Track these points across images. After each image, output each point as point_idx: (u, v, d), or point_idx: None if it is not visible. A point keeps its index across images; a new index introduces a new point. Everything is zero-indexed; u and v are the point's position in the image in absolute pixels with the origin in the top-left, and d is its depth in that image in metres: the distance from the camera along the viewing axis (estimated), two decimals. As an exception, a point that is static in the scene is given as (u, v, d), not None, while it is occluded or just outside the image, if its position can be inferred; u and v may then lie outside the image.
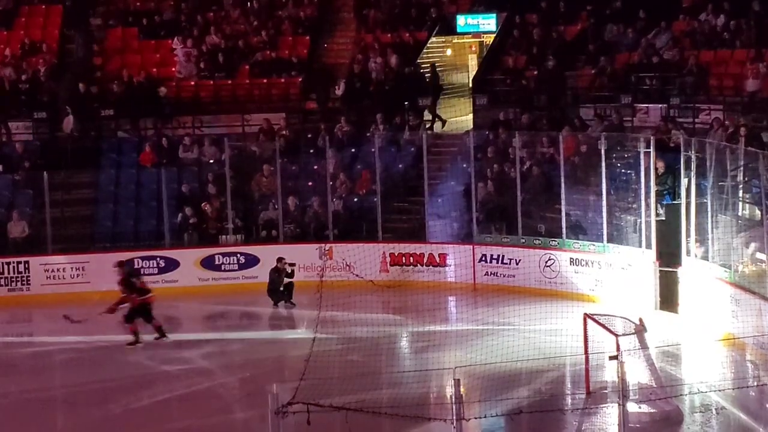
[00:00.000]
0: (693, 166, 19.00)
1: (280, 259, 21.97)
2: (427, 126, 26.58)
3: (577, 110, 24.71)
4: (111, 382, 16.62)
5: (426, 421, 11.86)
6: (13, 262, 22.95)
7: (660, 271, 19.68)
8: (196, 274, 23.35)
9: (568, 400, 15.08)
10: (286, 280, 21.88)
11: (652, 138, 20.45)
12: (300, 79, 27.73)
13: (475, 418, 8.91)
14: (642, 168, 20.06)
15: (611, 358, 12.67)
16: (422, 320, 19.75)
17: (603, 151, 20.82)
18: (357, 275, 19.93)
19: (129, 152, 26.06)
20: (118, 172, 25.62)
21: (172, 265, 23.43)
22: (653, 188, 19.99)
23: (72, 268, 23.12)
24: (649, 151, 19.97)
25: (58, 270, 23.11)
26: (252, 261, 23.55)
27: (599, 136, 21.36)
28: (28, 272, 22.93)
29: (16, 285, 22.91)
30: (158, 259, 23.44)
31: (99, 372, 17.11)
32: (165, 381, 16.34)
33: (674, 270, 19.38)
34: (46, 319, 21.81)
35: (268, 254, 22.76)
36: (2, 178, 25.03)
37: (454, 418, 8.18)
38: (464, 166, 24.00)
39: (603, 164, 20.79)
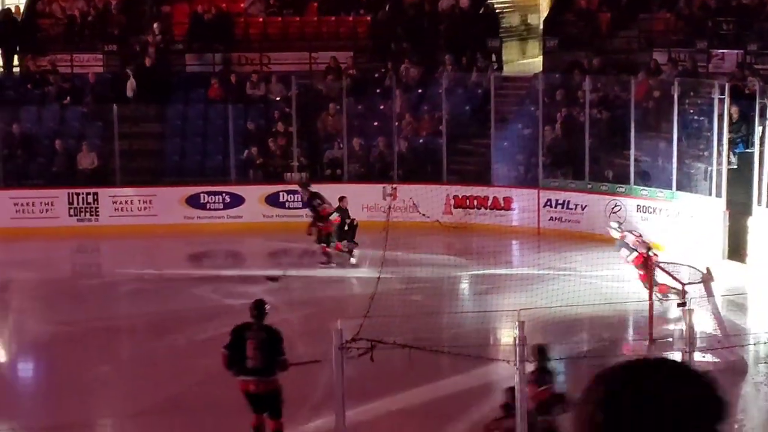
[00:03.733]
0: (768, 113, 18.64)
1: (342, 199, 21.98)
2: (495, 68, 26.31)
3: (651, 54, 24.26)
4: (175, 313, 16.82)
5: (488, 362, 11.88)
6: (83, 193, 23.24)
7: (729, 220, 19.40)
8: (260, 211, 23.47)
9: (630, 346, 14.99)
10: (349, 219, 21.89)
11: (727, 84, 20.03)
12: (369, 18, 27.54)
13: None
14: (715, 115, 19.70)
15: (679, 305, 12.54)
16: (485, 263, 19.70)
17: (676, 97, 20.47)
18: (424, 214, 19.88)
19: (197, 87, 26.15)
20: (186, 107, 25.75)
21: (237, 200, 23.58)
22: (726, 136, 19.63)
23: (139, 200, 23.36)
24: (724, 98, 19.58)
25: (125, 202, 23.36)
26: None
27: (672, 82, 21.00)
28: (97, 203, 23.22)
29: (85, 216, 23.22)
30: (223, 194, 23.59)
31: (164, 303, 17.32)
32: (228, 315, 16.41)
33: (744, 219, 19.09)
34: (113, 249, 22.11)
35: (332, 193, 22.76)
36: (72, 110, 25.28)
37: (518, 360, 8.14)
38: (532, 109, 23.75)
39: (675, 110, 20.45)
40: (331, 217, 20.09)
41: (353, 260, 19.81)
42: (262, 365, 11.34)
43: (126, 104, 24.67)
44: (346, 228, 21.79)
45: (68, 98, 25.25)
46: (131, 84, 24.92)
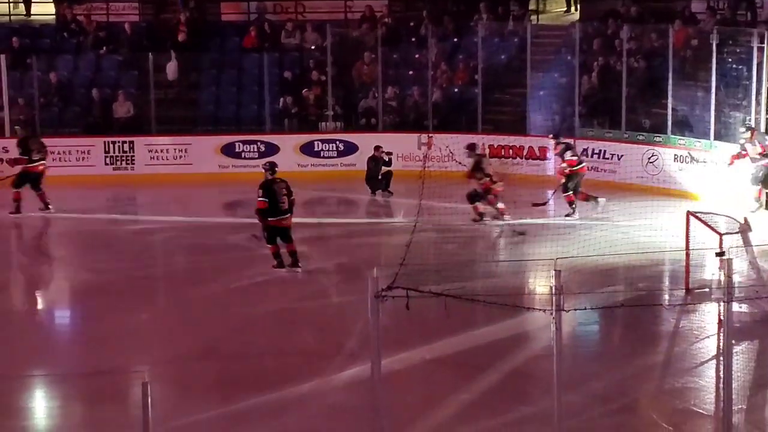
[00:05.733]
0: (808, 62, 18.39)
1: (377, 148, 21.96)
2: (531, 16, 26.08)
3: (689, 3, 23.94)
4: (210, 261, 16.90)
5: (523, 312, 11.88)
6: (119, 142, 23.37)
7: (767, 170, 19.20)
8: (295, 160, 23.49)
9: (666, 296, 14.94)
10: (384, 168, 21.89)
11: (766, 33, 19.77)
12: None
13: (576, 309, 8.85)
14: (754, 64, 19.46)
15: (718, 254, 12.45)
16: (519, 213, 19.63)
17: (714, 46, 20.21)
18: (460, 162, 19.84)
19: (232, 36, 26.10)
20: (221, 56, 25.72)
21: (272, 150, 23.60)
22: (765, 85, 19.39)
23: (175, 149, 23.45)
24: (763, 47, 19.33)
25: (161, 151, 23.46)
26: (350, 149, 23.60)
27: (711, 30, 20.72)
28: (133, 152, 23.34)
29: (121, 164, 23.36)
30: (259, 143, 23.64)
31: (199, 251, 17.40)
32: (264, 263, 16.53)
33: (782, 169, 18.91)
34: (149, 198, 22.23)
35: (366, 142, 22.76)
36: (108, 58, 25.32)
37: (554, 308, 8.13)
38: (568, 58, 23.55)
39: (713, 59, 20.21)
40: None
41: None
42: (288, 206, 15.81)
43: (162, 53, 24.67)
44: (379, 177, 21.80)
45: (104, 48, 25.28)
46: (172, 66, 24.77)
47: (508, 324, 12.92)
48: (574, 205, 19.29)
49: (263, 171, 16.11)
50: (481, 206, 19.10)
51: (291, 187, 15.99)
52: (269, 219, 15.79)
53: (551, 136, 20.71)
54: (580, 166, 19.65)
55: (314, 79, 24.62)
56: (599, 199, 19.39)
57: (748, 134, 19.16)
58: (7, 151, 23.26)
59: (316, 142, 23.63)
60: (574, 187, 19.49)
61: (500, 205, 19.13)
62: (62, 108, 24.39)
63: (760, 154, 18.96)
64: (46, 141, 21.15)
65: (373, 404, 8.56)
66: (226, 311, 14.50)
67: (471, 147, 19.69)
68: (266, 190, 15.78)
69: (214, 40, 26.00)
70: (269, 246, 16.16)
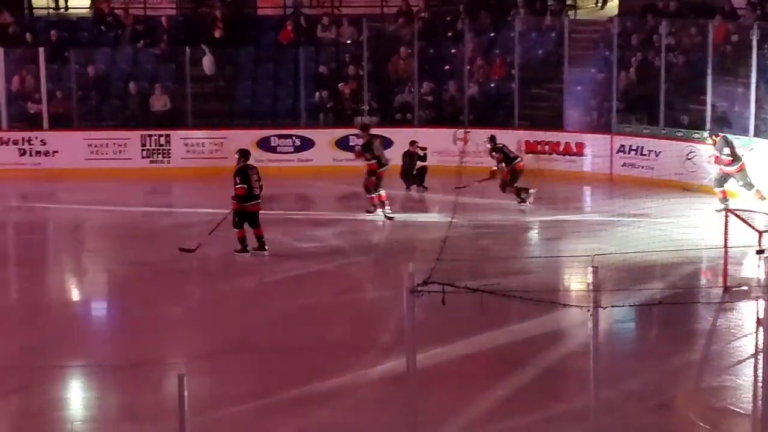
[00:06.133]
0: None
1: (412, 143, 21.90)
2: (569, 11, 25.93)
3: (729, -3, 23.72)
4: (246, 255, 16.90)
5: (558, 308, 11.80)
6: (155, 135, 23.46)
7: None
8: (330, 155, 23.49)
9: (704, 294, 14.79)
10: (419, 163, 21.84)
11: (808, 29, 19.58)
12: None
13: (613, 306, 8.76)
14: (795, 60, 19.27)
15: (758, 252, 12.31)
16: (556, 209, 19.54)
17: (755, 41, 20.01)
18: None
19: (268, 30, 26.13)
20: (258, 50, 25.75)
21: (307, 144, 23.63)
22: (806, 81, 19.21)
23: (211, 143, 23.51)
24: (804, 43, 19.14)
25: (197, 144, 23.53)
26: (386, 144, 23.49)
27: (751, 26, 20.51)
28: (169, 145, 23.42)
29: (157, 157, 23.45)
30: (294, 137, 23.65)
31: (234, 245, 17.42)
32: (298, 257, 16.56)
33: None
34: (185, 191, 22.31)
35: (401, 137, 22.70)
36: (145, 52, 25.42)
37: (592, 305, 8.05)
38: (606, 53, 23.38)
39: (754, 55, 20.01)
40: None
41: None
42: (260, 191, 16.49)
43: (199, 47, 24.72)
44: (414, 172, 21.75)
45: (141, 42, 25.38)
46: (208, 61, 24.81)
47: (543, 320, 12.85)
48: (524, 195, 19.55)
49: (237, 157, 16.67)
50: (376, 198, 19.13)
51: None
52: (245, 204, 16.33)
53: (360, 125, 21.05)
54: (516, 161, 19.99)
55: (350, 73, 24.60)
56: (530, 191, 19.52)
57: (711, 141, 19.37)
58: (44, 144, 23.45)
59: (351, 137, 23.60)
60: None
61: (381, 192, 19.05)
62: (100, 101, 24.51)
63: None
64: (84, 134, 21.28)
65: (408, 399, 8.52)
66: (260, 305, 14.53)
67: (364, 127, 19.71)
68: (243, 176, 16.33)
69: (251, 35, 26.03)
70: (236, 230, 16.52)
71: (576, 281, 14.92)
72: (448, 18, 25.60)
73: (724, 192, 18.99)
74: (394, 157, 22.65)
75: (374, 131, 22.18)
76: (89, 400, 11.58)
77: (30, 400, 11.21)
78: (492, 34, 25.21)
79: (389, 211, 19.10)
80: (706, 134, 20.03)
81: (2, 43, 24.51)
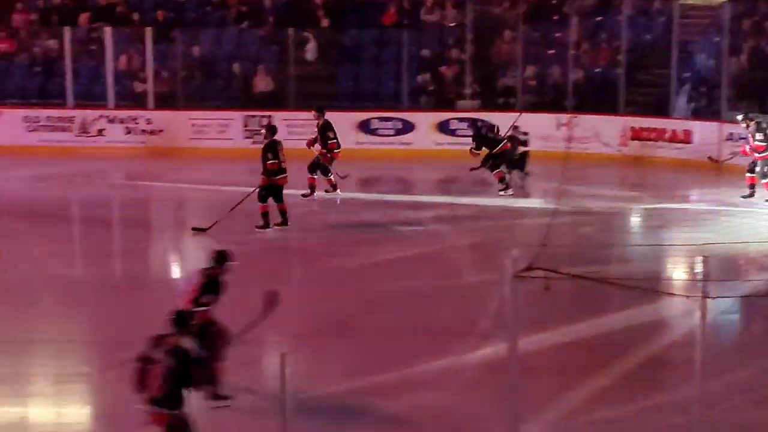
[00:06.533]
0: None
1: (515, 128, 21.67)
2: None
3: None
4: (345, 237, 16.95)
5: (661, 298, 11.57)
6: (258, 116, 23.63)
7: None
8: (431, 138, 23.42)
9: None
10: (521, 149, 21.60)
11: None
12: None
13: (722, 297, 8.54)
14: None
15: None
16: (660, 197, 19.19)
17: None
18: (606, 143, 19.55)
19: (372, 13, 26.10)
20: (360, 32, 25.74)
21: (408, 127, 23.57)
22: None
23: (312, 124, 23.54)
24: None
25: (299, 126, 23.62)
26: (490, 127, 23.35)
27: None
28: (271, 126, 23.54)
29: (260, 138, 23.54)
30: (395, 120, 23.61)
31: (335, 226, 17.46)
32: (396, 241, 16.51)
33: None
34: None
35: (504, 122, 22.48)
36: (249, 33, 25.61)
37: (701, 295, 7.85)
38: (716, 39, 22.85)
39: None
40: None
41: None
42: (285, 165, 16.82)
43: (302, 30, 24.82)
44: (516, 158, 21.51)
45: (246, 23, 25.57)
46: (311, 47, 24.87)
47: (645, 309, 12.60)
48: (505, 181, 19.52)
49: (264, 133, 17.31)
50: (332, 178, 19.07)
51: None
52: (275, 178, 16.71)
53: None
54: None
55: (453, 56, 24.46)
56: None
57: (745, 124, 18.74)
58: (149, 123, 23.80)
59: (452, 121, 23.48)
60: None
61: (332, 177, 18.97)
62: (204, 81, 24.77)
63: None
64: (188, 114, 21.54)
65: (510, 385, 8.41)
66: (360, 287, 14.51)
67: (319, 109, 19.58)
68: (274, 151, 16.76)
69: (354, 17, 26.04)
70: (261, 205, 16.78)
71: (681, 270, 14.61)
72: (554, 1, 25.28)
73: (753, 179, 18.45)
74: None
75: (478, 115, 22.14)
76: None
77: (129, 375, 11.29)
78: (598, 18, 24.82)
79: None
80: (740, 116, 19.29)
81: (110, 23, 24.92)
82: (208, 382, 8.95)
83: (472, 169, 19.81)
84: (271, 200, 16.93)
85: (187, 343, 8.28)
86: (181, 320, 8.49)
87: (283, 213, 16.96)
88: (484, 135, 20.14)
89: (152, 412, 8.09)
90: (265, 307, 9.70)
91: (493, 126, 20.62)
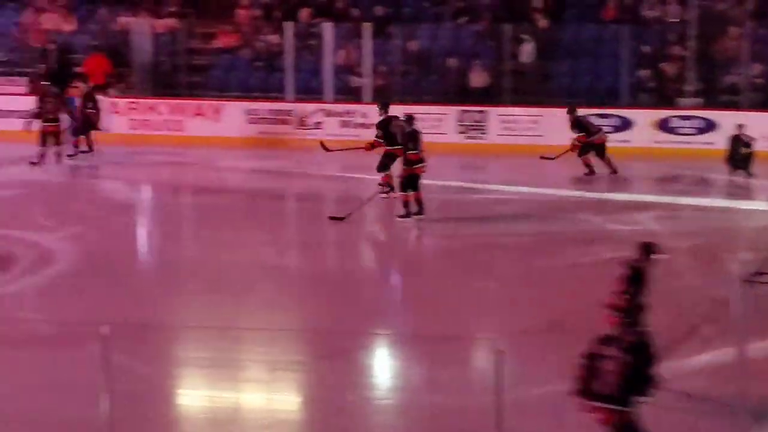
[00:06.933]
0: None
1: (740, 126, 20.85)
2: None
3: None
4: (558, 234, 16.64)
5: None
6: (472, 111, 23.57)
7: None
8: (650, 136, 22.79)
9: None
10: (744, 149, 20.76)
11: None
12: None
13: None
14: None
15: None
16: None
17: None
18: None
19: (592, 7, 25.63)
20: (579, 27, 25.31)
21: (626, 124, 23.02)
22: None
23: (526, 120, 23.35)
24: None
25: (513, 121, 23.45)
26: (710, 126, 22.57)
27: None
28: (486, 122, 23.46)
29: (474, 133, 23.55)
30: (613, 117, 23.10)
31: (547, 223, 17.18)
32: (610, 240, 16.07)
33: None
34: (499, 168, 22.25)
35: (727, 120, 21.66)
36: (466, 29, 25.56)
37: None
38: None
39: None
40: None
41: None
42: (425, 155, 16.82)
43: (519, 24, 24.59)
44: (740, 158, 20.68)
45: (463, 18, 25.54)
46: (528, 48, 24.58)
47: None
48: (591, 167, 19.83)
49: (403, 121, 17.33)
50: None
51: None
52: (415, 167, 16.84)
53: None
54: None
55: (674, 53, 23.73)
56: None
57: None
58: (365, 117, 24.05)
59: (673, 118, 22.78)
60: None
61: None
62: (420, 77, 24.88)
63: None
64: (403, 108, 21.60)
65: (737, 392, 8.00)
66: (571, 286, 14.17)
67: (384, 105, 18.59)
68: (414, 141, 17.03)
69: (572, 12, 25.62)
70: (402, 194, 16.73)
71: None
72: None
73: None
74: (718, 141, 21.66)
75: (700, 113, 21.43)
76: (396, 369, 11.66)
77: (341, 365, 11.36)
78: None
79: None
80: None
81: (330, 18, 25.34)
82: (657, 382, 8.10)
83: (544, 157, 19.99)
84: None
85: (646, 338, 7.95)
86: (631, 315, 8.70)
87: (419, 202, 17.00)
88: (581, 119, 20.31)
89: (602, 408, 7.76)
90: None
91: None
